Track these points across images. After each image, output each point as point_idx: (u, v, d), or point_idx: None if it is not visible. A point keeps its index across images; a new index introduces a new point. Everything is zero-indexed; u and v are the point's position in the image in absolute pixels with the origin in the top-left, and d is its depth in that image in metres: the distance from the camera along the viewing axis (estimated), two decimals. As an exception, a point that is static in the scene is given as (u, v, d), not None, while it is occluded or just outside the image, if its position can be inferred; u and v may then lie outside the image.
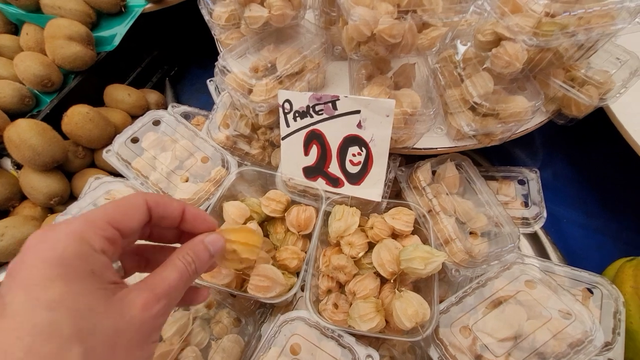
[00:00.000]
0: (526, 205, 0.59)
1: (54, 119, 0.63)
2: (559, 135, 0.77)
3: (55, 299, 0.17)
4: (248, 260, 0.32)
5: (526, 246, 0.61)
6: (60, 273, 0.18)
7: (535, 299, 0.41)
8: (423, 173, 0.53)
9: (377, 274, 0.45)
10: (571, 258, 0.61)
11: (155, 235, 0.29)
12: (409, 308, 0.38)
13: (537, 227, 0.57)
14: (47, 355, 0.16)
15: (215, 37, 0.63)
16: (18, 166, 0.62)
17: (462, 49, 0.52)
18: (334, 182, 0.50)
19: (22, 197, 0.62)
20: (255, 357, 0.38)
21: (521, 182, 0.61)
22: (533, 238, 0.61)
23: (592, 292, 0.48)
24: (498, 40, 0.46)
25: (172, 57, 0.91)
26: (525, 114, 0.46)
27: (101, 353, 0.18)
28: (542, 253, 0.60)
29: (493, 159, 0.71)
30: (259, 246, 0.33)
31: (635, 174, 0.62)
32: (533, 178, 0.61)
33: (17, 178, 0.61)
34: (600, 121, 0.57)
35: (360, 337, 0.41)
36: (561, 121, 0.55)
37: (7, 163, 0.64)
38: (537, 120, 0.54)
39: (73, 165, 0.64)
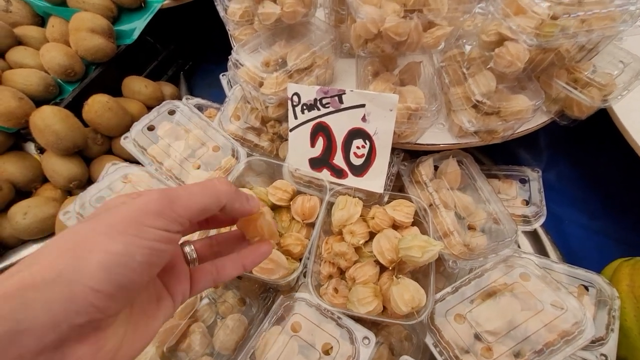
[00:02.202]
0: (527, 203, 0.60)
1: (75, 107, 0.67)
2: (563, 136, 0.77)
3: (126, 241, 0.21)
4: None
5: (526, 245, 0.62)
6: (128, 231, 0.21)
7: (529, 291, 0.42)
8: (425, 168, 0.54)
9: (377, 262, 0.46)
10: (571, 258, 0.61)
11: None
12: (406, 293, 0.40)
13: (536, 225, 0.58)
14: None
15: (229, 33, 0.65)
16: (41, 150, 0.66)
17: (467, 48, 0.54)
18: (339, 173, 0.52)
19: (44, 180, 0.66)
20: (258, 334, 0.40)
21: (523, 181, 0.62)
22: (533, 237, 0.62)
23: (587, 289, 0.49)
24: (501, 40, 0.47)
25: (187, 52, 0.95)
26: (526, 112, 0.48)
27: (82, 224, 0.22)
28: (542, 252, 0.61)
29: (497, 158, 0.72)
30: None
31: (638, 176, 0.62)
32: (535, 177, 0.62)
33: (39, 161, 0.65)
34: (604, 123, 0.58)
35: (358, 322, 0.43)
36: (564, 122, 0.56)
37: (31, 147, 0.68)
38: (539, 120, 0.55)
39: (92, 151, 0.68)
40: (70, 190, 0.65)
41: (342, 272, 0.48)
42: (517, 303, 0.42)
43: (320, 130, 0.50)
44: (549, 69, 0.50)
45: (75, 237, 0.20)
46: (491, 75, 0.48)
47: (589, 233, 0.66)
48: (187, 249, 0.29)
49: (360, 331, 0.40)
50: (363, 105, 0.46)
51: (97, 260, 0.19)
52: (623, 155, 0.58)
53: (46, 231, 0.61)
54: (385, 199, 0.53)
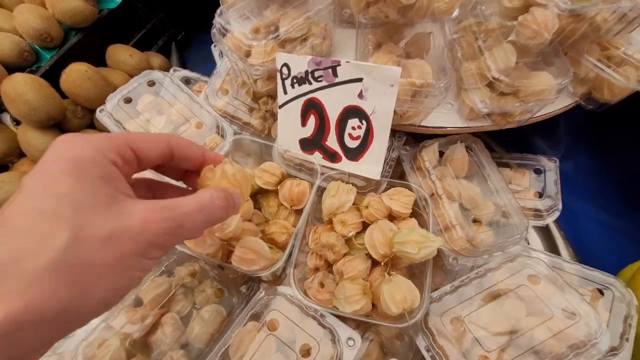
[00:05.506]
0: (540, 195, 0.54)
1: (54, 76, 0.62)
2: (582, 122, 0.70)
3: (62, 192, 0.19)
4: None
5: (536, 240, 0.57)
6: (73, 170, 0.20)
7: (537, 295, 0.38)
8: (429, 154, 0.49)
9: (369, 256, 0.42)
10: (584, 257, 0.57)
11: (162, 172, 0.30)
12: (397, 293, 0.35)
13: (549, 220, 0.53)
14: (40, 233, 0.18)
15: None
16: (17, 122, 0.62)
17: (485, 17, 0.47)
18: (332, 156, 0.47)
19: (21, 154, 0.62)
20: (233, 329, 0.37)
21: (537, 171, 0.56)
22: (544, 232, 0.57)
23: (602, 294, 0.44)
24: (527, 6, 0.40)
25: (180, 21, 0.88)
26: (549, 92, 0.41)
27: (88, 246, 0.19)
28: (552, 249, 0.56)
29: (509, 145, 0.66)
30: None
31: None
32: (551, 168, 0.56)
33: (15, 134, 0.61)
34: (631, 108, 0.51)
35: (344, 320, 0.39)
36: (590, 106, 0.50)
37: (7, 118, 0.64)
38: (562, 103, 0.49)
39: (72, 124, 0.63)
40: (50, 165, 0.61)
41: (330, 265, 0.44)
42: (523, 307, 0.38)
43: (312, 108, 0.45)
44: (579, 43, 0.43)
45: (77, 262, 0.18)
46: (511, 49, 0.42)
47: (606, 230, 0.61)
48: None
49: (344, 331, 0.37)
50: (360, 80, 0.40)
51: (100, 297, 0.19)
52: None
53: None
54: (384, 186, 0.48)
